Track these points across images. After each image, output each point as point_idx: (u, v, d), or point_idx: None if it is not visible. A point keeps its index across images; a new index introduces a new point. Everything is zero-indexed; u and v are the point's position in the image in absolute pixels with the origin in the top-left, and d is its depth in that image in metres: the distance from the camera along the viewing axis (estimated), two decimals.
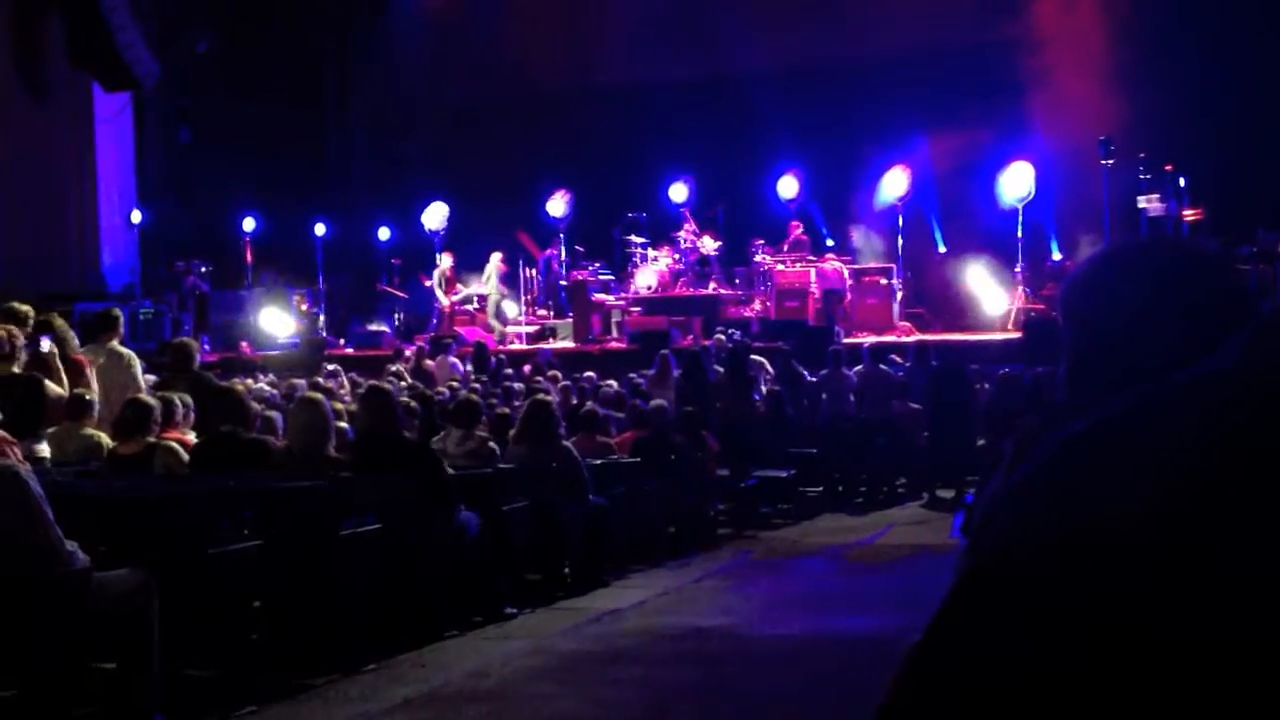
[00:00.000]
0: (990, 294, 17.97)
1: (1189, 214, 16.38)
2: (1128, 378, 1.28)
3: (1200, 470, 0.86)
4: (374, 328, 20.58)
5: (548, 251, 20.21)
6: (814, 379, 13.59)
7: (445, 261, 20.45)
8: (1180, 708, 0.83)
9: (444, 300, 20.21)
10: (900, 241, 18.60)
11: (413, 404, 8.91)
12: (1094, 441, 0.93)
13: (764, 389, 12.84)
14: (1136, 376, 1.17)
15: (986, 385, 12.86)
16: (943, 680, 0.93)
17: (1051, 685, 0.87)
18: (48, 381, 7.39)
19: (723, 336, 15.84)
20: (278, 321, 20.64)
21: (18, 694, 5.01)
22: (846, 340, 16.28)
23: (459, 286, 20.30)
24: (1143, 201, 16.41)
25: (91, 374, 8.23)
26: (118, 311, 9.41)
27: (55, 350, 7.97)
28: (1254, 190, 16.35)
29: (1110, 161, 16.76)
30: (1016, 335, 15.83)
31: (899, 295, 18.06)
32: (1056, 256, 18.30)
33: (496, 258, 19.63)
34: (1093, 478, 0.90)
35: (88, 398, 7.62)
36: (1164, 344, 1.38)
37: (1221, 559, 0.84)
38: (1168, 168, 16.59)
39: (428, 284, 20.62)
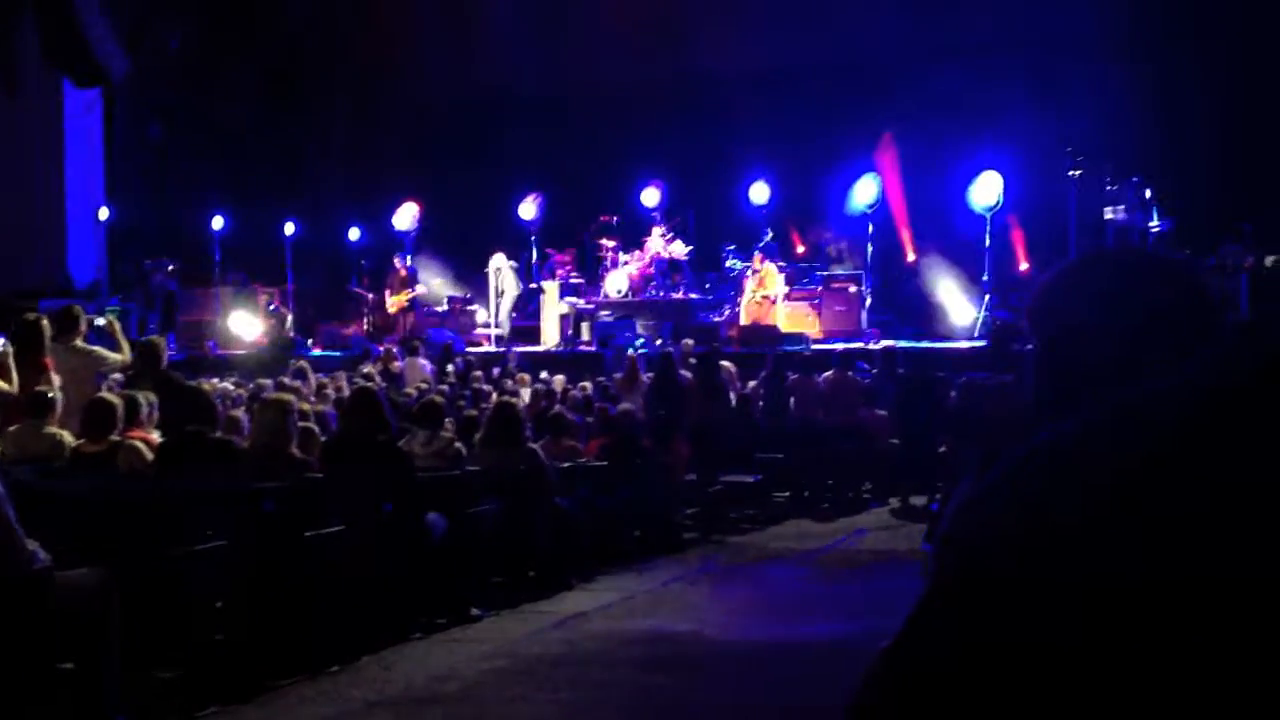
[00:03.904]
0: (957, 302, 18.09)
1: (1154, 225, 16.54)
2: (1094, 387, 1.30)
3: (1139, 486, 0.89)
4: (343, 329, 20.52)
5: (558, 257, 19.94)
6: (788, 383, 13.63)
7: (397, 263, 20.42)
8: (1149, 697, 0.85)
9: (390, 303, 20.15)
10: (870, 249, 18.69)
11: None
12: (1053, 453, 0.95)
13: (733, 394, 12.87)
14: (1103, 386, 1.19)
15: (953, 393, 12.93)
16: (915, 678, 0.94)
17: (1022, 677, 0.89)
18: (8, 373, 7.31)
19: (690, 342, 15.86)
20: (245, 321, 20.53)
21: None
22: (815, 346, 16.35)
23: (408, 289, 20.21)
24: (1109, 212, 16.56)
25: (54, 371, 8.17)
26: (79, 309, 9.34)
27: (9, 349, 7.90)
28: (1219, 203, 16.52)
29: (1077, 172, 16.90)
30: (982, 343, 15.93)
31: (867, 302, 18.15)
32: (1023, 266, 18.44)
33: (502, 258, 19.55)
34: (1051, 488, 0.92)
35: (49, 395, 7.55)
36: (1130, 353, 1.40)
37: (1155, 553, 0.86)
38: (1134, 179, 16.75)
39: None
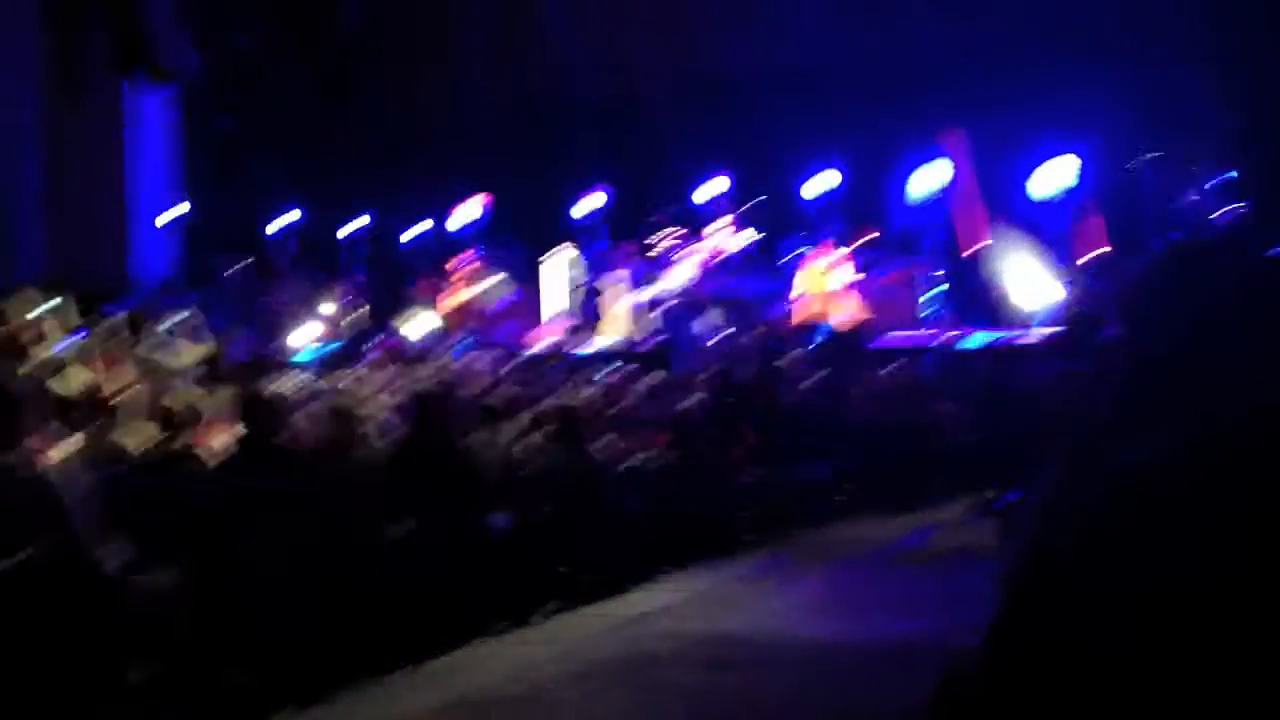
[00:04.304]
0: (1028, 291, 17.81)
1: (1233, 209, 16.17)
2: (1193, 390, 1.25)
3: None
4: (406, 327, 20.67)
5: (621, 251, 19.92)
6: (851, 379, 13.54)
7: (461, 260, 20.52)
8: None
9: (450, 301, 20.27)
10: (935, 240, 18.49)
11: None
12: (1138, 482, 0.94)
13: (799, 388, 12.79)
14: (1203, 389, 1.16)
15: (1030, 385, 12.77)
16: (996, 681, 0.95)
17: (1107, 675, 0.89)
18: (72, 380, 7.44)
19: (758, 331, 15.80)
20: (316, 320, 20.75)
21: (52, 696, 5.05)
22: (881, 340, 16.20)
23: (470, 286, 20.32)
24: (1188, 197, 16.23)
25: (123, 373, 8.31)
26: (149, 310, 9.50)
27: (90, 348, 8.06)
28: None
29: (1155, 155, 16.57)
30: (1057, 331, 15.68)
31: (933, 293, 17.95)
32: (1099, 251, 18.09)
33: (565, 255, 19.54)
34: (1149, 527, 0.91)
35: (124, 396, 7.66)
36: (1233, 356, 1.34)
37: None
38: (1211, 163, 16.40)
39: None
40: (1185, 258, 1.52)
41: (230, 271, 21.31)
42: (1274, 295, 1.40)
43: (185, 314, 12.21)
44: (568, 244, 19.82)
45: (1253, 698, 0.84)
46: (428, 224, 22.85)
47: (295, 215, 22.65)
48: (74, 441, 7.17)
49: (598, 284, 19.48)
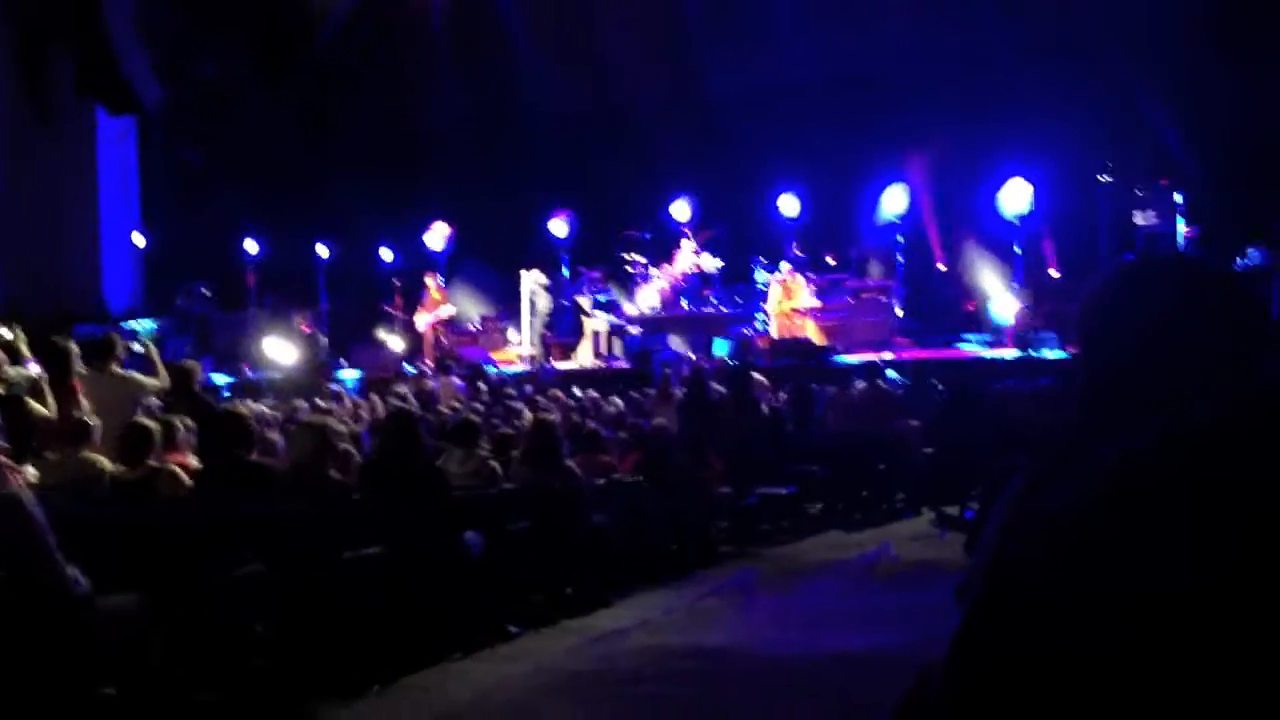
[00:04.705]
0: (989, 310, 17.99)
1: (1184, 230, 16.43)
2: (1147, 399, 1.29)
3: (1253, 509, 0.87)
4: (382, 336, 20.63)
5: (589, 273, 19.95)
6: (819, 396, 13.65)
7: (429, 281, 20.52)
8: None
9: (421, 322, 20.25)
10: (900, 259, 18.65)
11: None
12: (1110, 482, 0.94)
13: (765, 407, 12.85)
14: (1156, 398, 1.18)
15: (994, 401, 12.89)
16: (963, 693, 0.94)
17: (1067, 690, 0.88)
18: (33, 403, 7.38)
19: (722, 356, 15.89)
20: (280, 344, 20.69)
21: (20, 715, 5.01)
22: (847, 357, 16.31)
23: (439, 308, 20.32)
24: (1138, 218, 16.47)
25: (84, 398, 8.24)
26: (116, 335, 9.44)
27: (44, 376, 7.99)
28: (1249, 207, 16.38)
29: (1106, 178, 16.82)
30: (1014, 351, 15.85)
31: (898, 312, 18.09)
32: (1053, 273, 18.33)
33: (535, 276, 19.55)
34: (1137, 514, 0.91)
35: (87, 421, 7.61)
36: (1183, 365, 1.39)
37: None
38: (1163, 183, 16.65)
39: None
40: (1134, 276, 1.57)
41: (193, 298, 21.21)
42: (1222, 310, 1.44)
43: (151, 337, 12.15)
44: (540, 266, 19.87)
45: (1246, 698, 0.84)
46: (388, 253, 22.85)
47: (256, 247, 22.59)
48: (45, 462, 7.13)
49: (570, 304, 19.53)
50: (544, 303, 19.60)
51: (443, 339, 20.34)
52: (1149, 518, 0.91)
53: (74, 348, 8.55)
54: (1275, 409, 0.96)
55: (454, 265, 21.98)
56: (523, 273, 19.66)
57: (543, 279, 19.79)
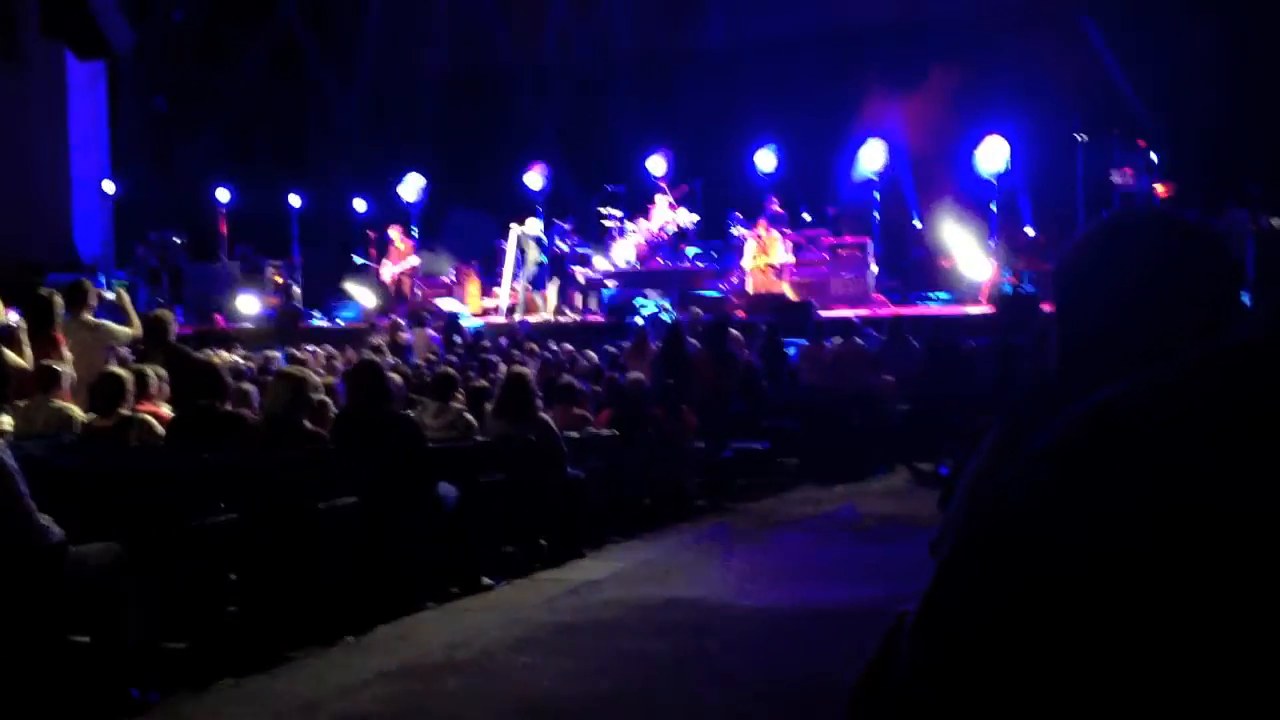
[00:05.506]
0: (965, 267, 18.02)
1: (1160, 189, 16.47)
2: (1126, 356, 1.28)
3: (1230, 440, 0.86)
4: (348, 288, 20.51)
5: (563, 226, 19.81)
6: (793, 353, 13.68)
7: (393, 233, 20.36)
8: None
9: (386, 273, 20.14)
10: (876, 215, 18.64)
11: (395, 376, 8.89)
12: (1117, 412, 0.92)
13: (741, 362, 12.87)
14: (1136, 355, 1.18)
15: (970, 357, 12.97)
16: (948, 636, 0.93)
17: (1055, 638, 0.87)
18: (9, 353, 7.31)
19: (698, 310, 15.87)
20: (252, 294, 20.55)
21: None
22: (822, 313, 16.33)
23: (407, 259, 20.22)
24: (1115, 176, 16.50)
25: (68, 343, 8.19)
26: (88, 283, 9.34)
27: (23, 325, 7.92)
28: (1225, 166, 16.44)
29: (1083, 137, 16.83)
30: (990, 309, 15.90)
31: (875, 268, 18.10)
32: (1030, 231, 18.37)
33: (530, 225, 19.30)
34: (1119, 451, 0.90)
35: (57, 369, 7.54)
36: (1162, 321, 1.39)
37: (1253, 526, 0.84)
38: (1140, 143, 16.68)
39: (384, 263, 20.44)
40: (1111, 231, 1.57)
41: (153, 248, 21.02)
42: (1198, 263, 1.44)
43: (124, 285, 12.04)
44: (519, 218, 19.70)
45: (1230, 649, 0.83)
46: (361, 204, 22.67)
47: (228, 195, 22.37)
48: (16, 409, 7.07)
49: (548, 257, 19.42)
50: (534, 254, 19.39)
51: (416, 290, 20.23)
52: (1120, 466, 0.90)
53: (59, 299, 8.46)
54: (1232, 361, 0.95)
55: (434, 215, 21.79)
56: (513, 224, 19.43)
57: (537, 229, 19.44)
